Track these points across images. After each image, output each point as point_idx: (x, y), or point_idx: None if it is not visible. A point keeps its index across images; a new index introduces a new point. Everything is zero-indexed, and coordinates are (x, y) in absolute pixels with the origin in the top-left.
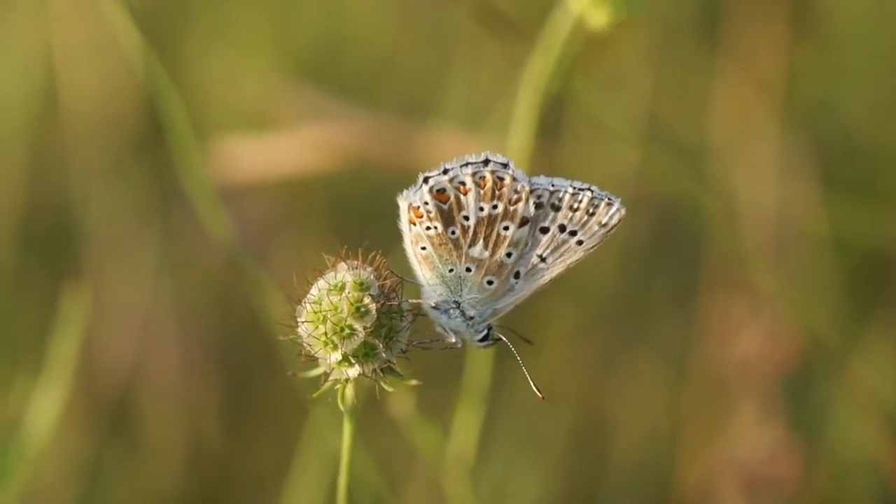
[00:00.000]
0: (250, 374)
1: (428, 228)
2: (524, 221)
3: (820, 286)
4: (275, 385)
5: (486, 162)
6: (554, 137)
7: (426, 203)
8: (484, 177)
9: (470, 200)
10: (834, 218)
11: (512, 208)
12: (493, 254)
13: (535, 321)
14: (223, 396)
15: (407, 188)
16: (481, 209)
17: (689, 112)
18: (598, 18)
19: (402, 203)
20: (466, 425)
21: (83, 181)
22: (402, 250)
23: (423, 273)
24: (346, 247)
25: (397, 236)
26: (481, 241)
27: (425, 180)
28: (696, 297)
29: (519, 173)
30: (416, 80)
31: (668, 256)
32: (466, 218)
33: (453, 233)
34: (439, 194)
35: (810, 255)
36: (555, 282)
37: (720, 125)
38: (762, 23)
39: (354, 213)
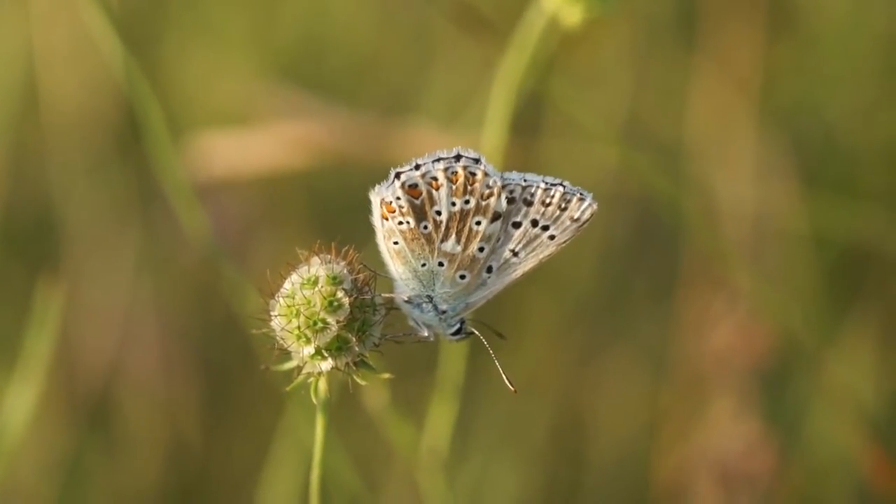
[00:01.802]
0: (229, 370)
1: (400, 223)
2: (496, 216)
3: (798, 283)
4: (253, 381)
5: (458, 157)
6: (532, 135)
7: (398, 198)
8: (456, 172)
9: (442, 195)
10: (812, 215)
11: (484, 203)
12: (465, 248)
13: (514, 317)
14: (202, 393)
15: (379, 183)
16: (453, 204)
17: (668, 110)
18: (572, 16)
19: (374, 198)
20: (440, 417)
21: (63, 179)
22: (377, 245)
23: (396, 268)
24: (319, 241)
25: (374, 232)
26: (454, 236)
27: (397, 175)
28: (674, 294)
29: (491, 168)
30: (396, 81)
31: (647, 254)
32: (438, 213)
33: (425, 227)
34: (411, 189)
35: (788, 252)
36: (530, 277)
37: (698, 123)
38: (740, 22)
39: (333, 210)
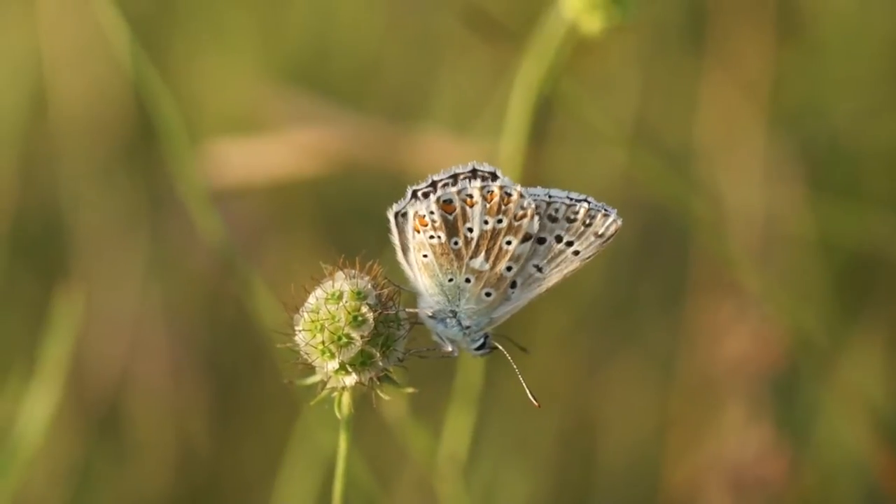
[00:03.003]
0: (239, 376)
1: (431, 237)
2: (527, 237)
3: (807, 287)
4: (264, 388)
5: (474, 172)
6: (542, 140)
7: (432, 212)
8: (492, 191)
9: (475, 213)
10: (820, 219)
11: (517, 224)
12: (493, 266)
13: (524, 324)
14: (212, 399)
15: (397, 200)
16: (486, 222)
17: (677, 115)
18: (592, 24)
19: (390, 214)
20: (459, 425)
21: (73, 184)
22: (394, 252)
23: (423, 280)
24: (343, 255)
25: (387, 238)
26: (483, 254)
27: (433, 185)
28: (683, 300)
29: (508, 181)
30: (404, 84)
31: (656, 259)
32: (470, 230)
33: (456, 243)
34: (446, 205)
35: (797, 256)
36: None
37: (707, 128)
38: (749, 26)
39: (343, 217)
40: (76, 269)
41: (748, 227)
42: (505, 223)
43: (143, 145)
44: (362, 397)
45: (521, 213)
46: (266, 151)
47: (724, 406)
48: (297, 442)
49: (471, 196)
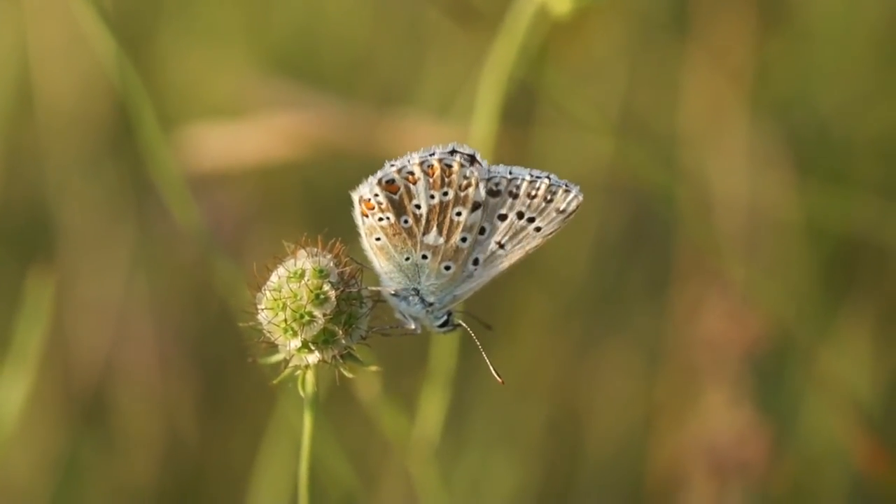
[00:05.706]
0: (225, 367)
1: (380, 219)
2: (476, 206)
3: (792, 274)
4: (249, 377)
5: (453, 152)
6: (526, 127)
7: (376, 195)
8: (432, 165)
9: (420, 189)
10: (806, 206)
11: (462, 194)
12: (447, 240)
13: (509, 311)
14: (198, 389)
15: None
16: (432, 197)
17: (662, 101)
18: (562, 5)
19: (355, 196)
20: (432, 406)
21: (58, 176)
22: (361, 242)
23: (381, 264)
24: (305, 234)
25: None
26: (435, 228)
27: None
28: (668, 287)
29: (482, 162)
30: (390, 74)
31: (642, 246)
32: (418, 207)
33: (406, 222)
34: (389, 185)
35: (783, 243)
36: (524, 270)
37: (693, 115)
38: (734, 13)
39: (328, 202)
40: (61, 260)
41: (733, 214)
42: (451, 195)
43: (128, 137)
44: (342, 386)
45: (465, 182)
46: (250, 137)
47: (708, 391)
48: (277, 430)
49: (412, 173)
